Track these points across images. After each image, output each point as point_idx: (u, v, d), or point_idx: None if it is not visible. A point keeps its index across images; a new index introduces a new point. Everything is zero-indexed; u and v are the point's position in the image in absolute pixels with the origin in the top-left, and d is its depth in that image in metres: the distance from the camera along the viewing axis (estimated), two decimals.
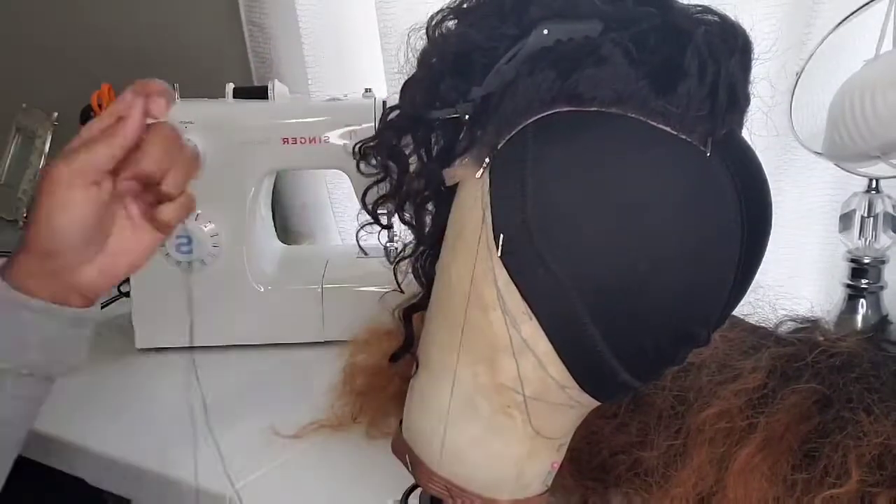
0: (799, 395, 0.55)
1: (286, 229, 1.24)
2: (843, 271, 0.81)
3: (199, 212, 0.89)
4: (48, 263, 0.53)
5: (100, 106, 1.33)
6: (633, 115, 0.43)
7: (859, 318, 0.80)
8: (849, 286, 0.81)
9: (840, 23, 0.76)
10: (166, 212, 0.56)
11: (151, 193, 0.55)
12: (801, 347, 0.60)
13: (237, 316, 0.94)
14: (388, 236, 0.56)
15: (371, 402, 0.75)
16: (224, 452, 0.65)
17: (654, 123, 0.43)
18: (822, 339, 0.64)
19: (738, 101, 0.44)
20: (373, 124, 0.89)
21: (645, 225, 0.43)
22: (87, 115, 1.34)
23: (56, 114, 1.29)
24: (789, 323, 0.70)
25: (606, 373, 0.46)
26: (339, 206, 1.21)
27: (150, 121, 0.54)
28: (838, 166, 0.78)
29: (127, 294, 0.94)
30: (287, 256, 1.04)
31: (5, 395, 0.53)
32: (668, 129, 0.43)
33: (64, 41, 1.56)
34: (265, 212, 1.01)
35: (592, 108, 0.43)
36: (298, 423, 0.75)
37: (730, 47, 0.43)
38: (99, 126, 0.54)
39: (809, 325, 0.70)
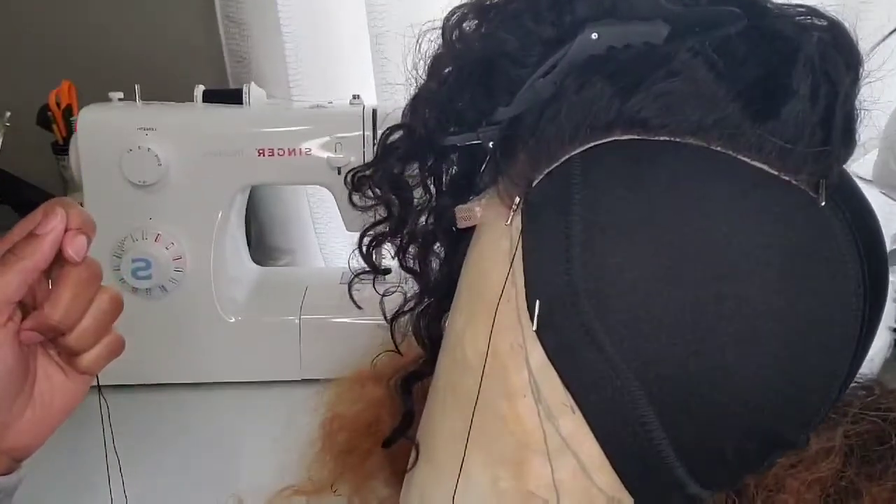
0: (889, 492, 0.45)
1: (262, 245, 1.17)
2: (889, 313, 0.72)
3: (160, 232, 0.81)
4: None
5: (58, 105, 1.24)
6: (718, 149, 0.34)
7: None
8: None
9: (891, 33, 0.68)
10: (85, 360, 0.47)
11: (57, 345, 0.46)
12: (882, 427, 0.50)
13: (202, 350, 0.86)
14: (384, 291, 0.46)
15: (354, 465, 0.65)
16: None
17: (748, 160, 0.34)
18: None
19: (853, 132, 0.34)
20: (360, 133, 0.82)
21: (732, 297, 0.33)
22: (44, 114, 1.25)
23: (9, 113, 1.22)
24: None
25: (670, 483, 0.36)
26: (321, 222, 1.12)
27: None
28: (887, 196, 0.70)
29: None
30: (261, 281, 0.96)
31: None
32: (766, 167, 0.33)
33: (18, 36, 1.50)
34: (237, 232, 0.92)
35: (662, 138, 0.34)
36: (269, 487, 0.66)
37: (846, 61, 0.33)
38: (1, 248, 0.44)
39: (866, 387, 0.61)
